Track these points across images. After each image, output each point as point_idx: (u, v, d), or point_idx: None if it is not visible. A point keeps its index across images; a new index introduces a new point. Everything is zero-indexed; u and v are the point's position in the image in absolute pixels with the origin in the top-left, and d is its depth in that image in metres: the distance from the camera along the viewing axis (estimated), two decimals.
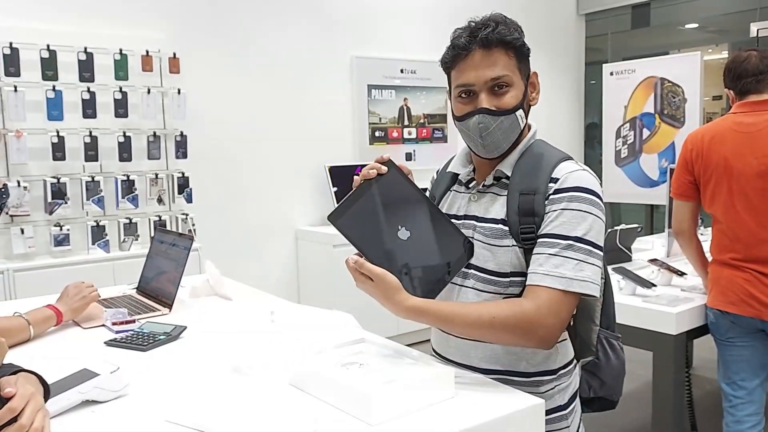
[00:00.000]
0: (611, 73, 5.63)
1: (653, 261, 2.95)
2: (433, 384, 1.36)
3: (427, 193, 1.68)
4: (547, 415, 1.40)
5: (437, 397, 1.35)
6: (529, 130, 1.56)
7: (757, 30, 5.08)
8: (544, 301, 1.35)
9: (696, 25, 6.44)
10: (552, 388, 1.51)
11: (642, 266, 3.05)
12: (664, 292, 2.70)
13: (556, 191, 1.41)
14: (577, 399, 1.60)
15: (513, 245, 1.44)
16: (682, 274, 2.84)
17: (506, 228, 1.45)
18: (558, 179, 1.42)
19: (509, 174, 1.50)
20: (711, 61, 6.14)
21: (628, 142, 5.50)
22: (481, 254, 1.49)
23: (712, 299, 2.49)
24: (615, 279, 2.76)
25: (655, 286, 2.71)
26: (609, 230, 3.25)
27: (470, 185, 1.59)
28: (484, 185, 1.54)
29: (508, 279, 1.46)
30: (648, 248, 3.59)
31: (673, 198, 2.64)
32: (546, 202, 1.42)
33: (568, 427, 1.53)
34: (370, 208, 1.50)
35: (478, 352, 1.51)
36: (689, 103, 5.07)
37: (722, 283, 2.45)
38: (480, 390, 1.41)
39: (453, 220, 1.56)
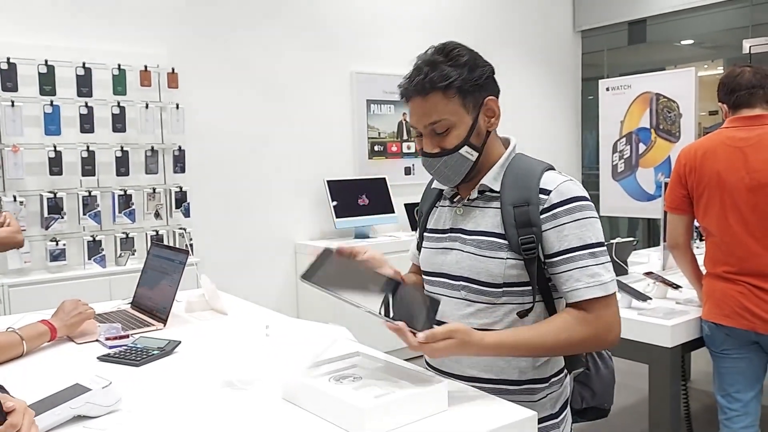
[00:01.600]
0: (607, 89, 5.66)
1: (649, 274, 2.95)
2: (427, 397, 1.36)
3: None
4: (538, 423, 1.42)
5: (430, 411, 1.35)
6: (508, 145, 1.61)
7: (750, 47, 5.13)
8: (598, 310, 1.44)
9: (691, 42, 6.49)
10: (544, 396, 1.54)
11: (638, 279, 3.05)
12: (660, 305, 2.70)
13: (553, 206, 1.46)
14: (568, 408, 1.62)
15: (508, 258, 1.47)
16: (677, 287, 2.85)
17: (504, 241, 1.48)
18: (549, 191, 1.47)
19: (493, 188, 1.54)
20: (706, 77, 6.18)
21: (625, 157, 5.52)
22: (473, 266, 1.52)
23: (707, 312, 2.50)
24: None
25: (650, 299, 2.71)
26: (605, 243, 3.25)
27: (455, 200, 1.62)
28: (469, 199, 1.58)
29: (501, 290, 1.50)
30: (644, 261, 3.59)
31: (668, 212, 2.65)
32: (543, 215, 1.46)
33: None
34: (338, 270, 1.59)
35: (471, 360, 1.53)
36: (684, 118, 5.09)
37: (716, 295, 2.46)
38: (473, 403, 1.41)
39: (439, 234, 1.62)
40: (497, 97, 1.55)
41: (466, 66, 1.47)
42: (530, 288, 1.50)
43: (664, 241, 3.09)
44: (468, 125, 1.49)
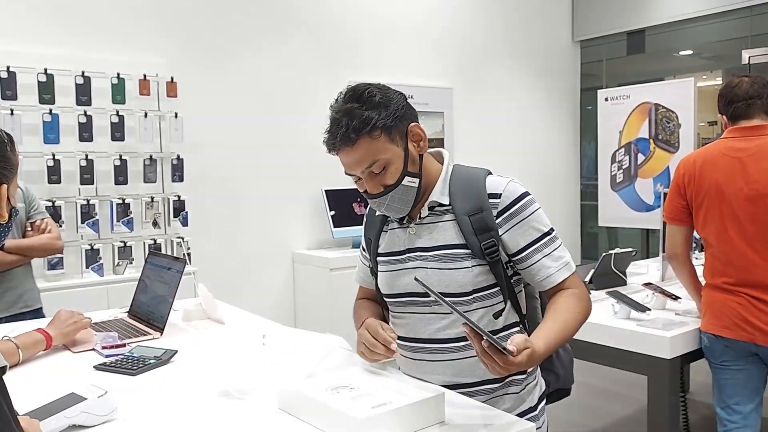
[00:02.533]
0: (606, 99, 5.67)
1: (648, 285, 2.94)
2: (424, 408, 1.35)
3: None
4: (519, 417, 1.47)
5: (428, 421, 1.35)
6: (442, 159, 1.65)
7: (749, 57, 5.15)
8: (578, 285, 1.57)
9: (690, 52, 6.51)
10: (524, 388, 1.60)
11: (637, 290, 3.04)
12: (659, 316, 2.69)
13: (506, 207, 1.54)
14: (544, 401, 1.68)
15: (474, 265, 1.53)
16: (676, 298, 2.84)
17: (466, 251, 1.54)
18: (498, 194, 1.55)
19: (443, 201, 1.59)
20: (705, 87, 6.20)
21: (624, 167, 5.52)
22: (441, 280, 1.56)
23: (706, 323, 2.49)
24: (609, 303, 2.76)
25: (649, 310, 2.70)
26: (604, 254, 3.25)
27: (404, 221, 1.65)
28: (420, 217, 1.61)
29: (471, 296, 1.56)
30: (643, 272, 3.58)
31: (666, 222, 2.65)
32: (499, 218, 1.54)
33: (540, 427, 1.61)
34: None
35: (453, 369, 1.58)
36: (683, 129, 5.10)
37: (716, 307, 2.45)
38: (470, 413, 1.41)
39: (395, 256, 1.64)
40: (417, 120, 1.58)
41: (380, 105, 1.50)
42: (497, 289, 1.57)
43: (663, 251, 3.09)
44: (401, 157, 1.53)
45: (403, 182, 1.53)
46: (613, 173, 5.61)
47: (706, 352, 2.53)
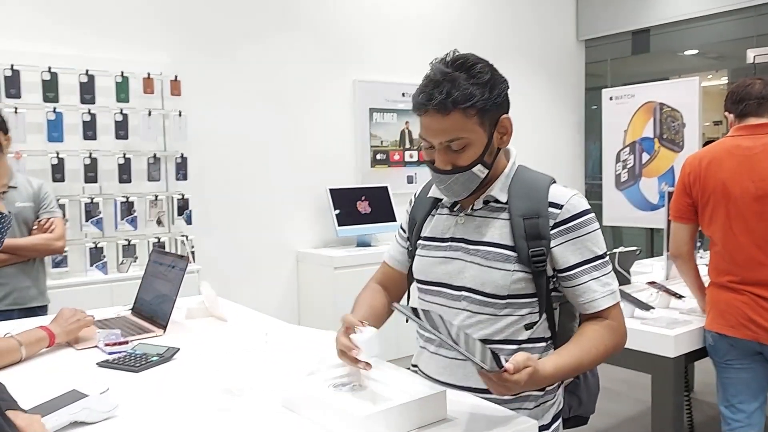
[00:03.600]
0: (611, 98, 5.66)
1: (652, 284, 2.94)
2: (426, 405, 1.35)
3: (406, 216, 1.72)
4: None
5: (430, 418, 1.34)
6: (508, 155, 1.60)
7: (754, 56, 5.13)
8: (617, 317, 1.51)
9: (695, 52, 6.48)
10: (537, 405, 1.53)
11: (641, 289, 3.03)
12: (663, 314, 2.68)
13: (565, 220, 1.48)
14: (560, 420, 1.61)
15: (516, 270, 1.47)
16: (680, 296, 2.83)
17: (512, 253, 1.48)
18: (560, 205, 1.49)
19: (500, 198, 1.53)
20: (710, 86, 6.17)
21: (628, 166, 5.51)
22: (478, 276, 1.51)
23: (711, 322, 2.48)
24: None
25: (653, 308, 2.70)
26: (608, 253, 3.24)
27: (455, 208, 1.60)
28: (472, 209, 1.56)
29: (504, 301, 1.49)
30: (647, 271, 3.57)
31: (672, 221, 2.64)
32: (555, 230, 1.48)
33: None
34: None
35: (466, 370, 1.51)
36: (688, 128, 5.09)
37: (720, 306, 2.44)
38: (473, 411, 1.40)
39: (437, 242, 1.59)
40: (508, 113, 1.53)
41: (487, 85, 1.44)
42: (534, 300, 1.50)
43: (668, 250, 3.08)
44: (483, 144, 1.47)
45: (473, 169, 1.48)
46: (617, 172, 5.60)
47: (710, 350, 2.52)
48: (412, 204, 1.75)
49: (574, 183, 6.91)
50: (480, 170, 1.49)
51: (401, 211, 5.37)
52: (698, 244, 3.39)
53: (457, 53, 1.49)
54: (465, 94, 1.41)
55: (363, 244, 5.03)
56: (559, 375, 1.41)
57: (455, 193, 1.53)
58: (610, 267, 1.51)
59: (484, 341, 1.48)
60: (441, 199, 1.64)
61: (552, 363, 1.38)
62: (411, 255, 1.70)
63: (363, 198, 5.09)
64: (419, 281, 1.65)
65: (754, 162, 2.36)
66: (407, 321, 1.42)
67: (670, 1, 6.16)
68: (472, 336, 1.44)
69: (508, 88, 1.51)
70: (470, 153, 1.47)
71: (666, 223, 3.02)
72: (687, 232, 2.57)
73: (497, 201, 1.53)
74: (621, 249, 3.27)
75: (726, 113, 2.56)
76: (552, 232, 1.47)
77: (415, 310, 1.38)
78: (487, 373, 1.26)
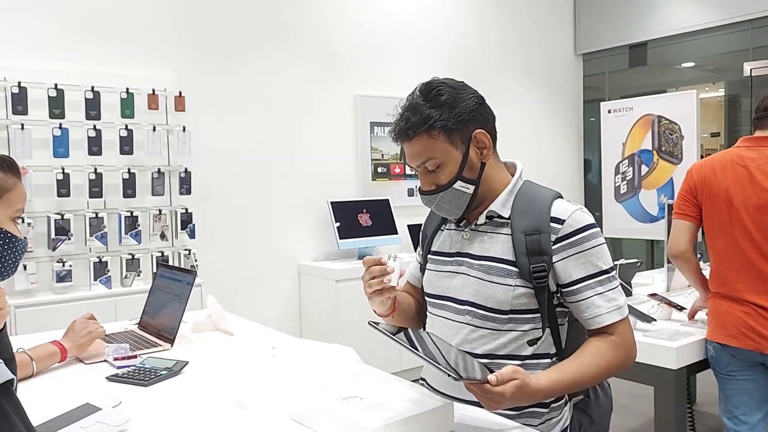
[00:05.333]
0: (609, 111, 5.70)
1: (653, 296, 2.95)
2: (433, 418, 1.37)
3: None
4: None
5: (437, 430, 1.36)
6: (514, 170, 1.62)
7: (750, 69, 5.17)
8: (623, 333, 1.50)
9: (692, 64, 6.54)
10: (543, 422, 1.54)
11: (642, 301, 3.05)
12: (664, 326, 2.70)
13: (567, 235, 1.49)
14: None
15: (517, 285, 1.49)
16: (681, 308, 2.85)
17: (514, 268, 1.50)
18: (561, 220, 1.50)
19: (502, 214, 1.55)
20: (708, 99, 6.22)
21: (627, 178, 5.55)
22: (480, 291, 1.53)
23: (712, 332, 2.49)
24: None
25: (655, 320, 2.72)
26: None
27: (461, 224, 1.64)
28: (476, 224, 1.59)
29: (507, 316, 1.51)
30: (648, 283, 3.60)
31: (674, 218, 2.62)
32: (557, 245, 1.49)
33: None
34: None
35: None
36: (686, 140, 5.13)
37: (722, 315, 2.45)
38: (479, 424, 1.42)
39: (445, 257, 1.63)
40: (488, 127, 1.56)
41: (445, 105, 1.50)
42: (536, 316, 1.51)
43: (669, 262, 3.09)
44: (458, 160, 1.52)
45: (455, 186, 1.52)
46: (617, 184, 5.63)
47: (712, 362, 2.53)
48: (426, 219, 1.80)
49: (573, 195, 6.95)
50: (463, 186, 1.53)
51: (402, 223, 5.45)
52: (699, 255, 3.42)
53: (432, 79, 1.56)
54: (422, 118, 1.49)
55: (364, 256, 5.03)
56: (554, 390, 1.41)
57: (448, 212, 1.58)
58: (616, 282, 1.51)
59: (488, 356, 1.51)
60: None
61: (546, 378, 1.39)
62: (423, 269, 1.74)
63: (364, 210, 5.12)
64: (428, 294, 1.69)
65: (755, 173, 2.39)
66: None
67: (667, 14, 6.22)
68: (472, 353, 1.46)
69: (480, 103, 1.55)
70: (446, 171, 1.52)
71: (666, 234, 3.03)
72: (689, 230, 2.56)
73: (500, 216, 1.56)
74: (622, 261, 3.30)
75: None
76: (554, 247, 1.49)
77: (405, 332, 1.42)
78: (472, 385, 1.28)
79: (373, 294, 1.54)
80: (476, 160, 1.54)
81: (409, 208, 5.43)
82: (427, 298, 1.70)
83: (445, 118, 1.49)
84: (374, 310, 1.67)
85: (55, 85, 3.78)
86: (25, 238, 1.36)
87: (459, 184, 1.52)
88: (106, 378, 1.89)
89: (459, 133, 1.51)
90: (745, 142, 2.50)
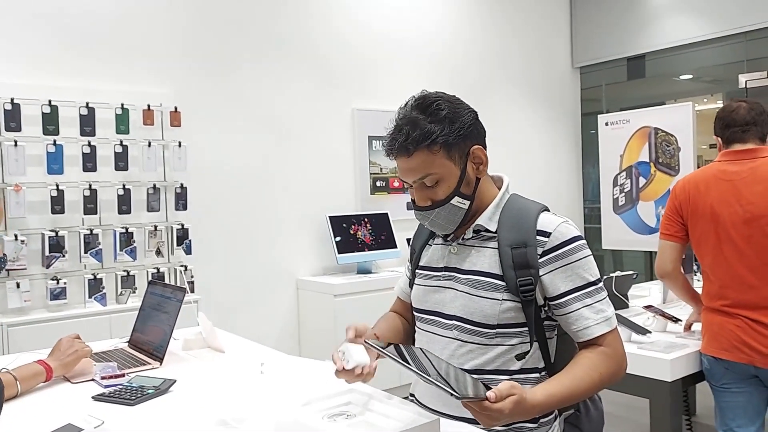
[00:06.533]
0: (606, 124, 5.70)
1: (649, 307, 2.94)
2: None
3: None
4: None
5: None
6: (501, 183, 1.61)
7: (746, 81, 5.18)
8: (613, 344, 1.48)
9: (690, 76, 6.55)
10: None
11: (638, 313, 3.04)
12: (660, 338, 2.68)
13: (554, 248, 1.47)
14: None
15: (504, 299, 1.48)
16: (677, 320, 2.83)
17: (501, 282, 1.49)
18: (548, 233, 1.49)
19: (489, 228, 1.54)
20: (705, 110, 6.22)
21: (625, 190, 5.53)
22: (467, 306, 1.52)
23: (706, 345, 2.49)
24: None
25: (650, 332, 2.70)
26: (605, 277, 3.25)
27: (448, 238, 1.62)
28: (463, 238, 1.58)
29: (494, 331, 1.50)
30: (645, 294, 3.58)
31: (660, 239, 2.63)
32: (543, 258, 1.47)
33: None
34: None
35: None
36: (683, 152, 5.12)
37: (714, 329, 2.45)
38: None
39: (433, 272, 1.61)
40: (483, 142, 1.55)
41: (446, 120, 1.48)
42: (524, 330, 1.50)
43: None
44: (456, 176, 1.51)
45: (452, 201, 1.51)
46: (615, 196, 5.62)
47: (707, 374, 2.52)
48: (414, 234, 1.78)
49: (573, 207, 6.94)
50: (460, 202, 1.51)
51: (401, 237, 5.42)
52: (694, 268, 3.40)
53: (423, 92, 1.54)
54: (423, 133, 1.46)
55: (363, 271, 5.03)
56: (550, 404, 1.39)
57: (441, 228, 1.56)
58: (604, 294, 1.50)
59: (476, 371, 1.49)
60: None
61: (541, 392, 1.37)
62: (411, 284, 1.73)
63: (364, 220, 5.12)
64: (415, 309, 1.68)
65: (740, 187, 2.38)
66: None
67: (664, 27, 6.24)
68: (461, 369, 1.44)
69: (475, 118, 1.54)
70: (444, 187, 1.51)
71: None
72: (675, 251, 2.57)
73: (487, 230, 1.55)
74: (618, 273, 3.28)
75: (715, 137, 2.59)
76: (540, 260, 1.47)
77: (396, 346, 1.39)
78: (470, 403, 1.26)
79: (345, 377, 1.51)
80: (472, 175, 1.53)
81: (408, 222, 5.41)
82: (415, 313, 1.69)
83: (446, 134, 1.47)
84: None
85: (49, 101, 3.78)
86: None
87: (456, 200, 1.51)
88: (92, 397, 1.86)
89: (458, 149, 1.50)
90: (727, 156, 2.49)
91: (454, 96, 1.56)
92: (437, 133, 1.46)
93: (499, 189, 1.60)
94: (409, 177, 1.52)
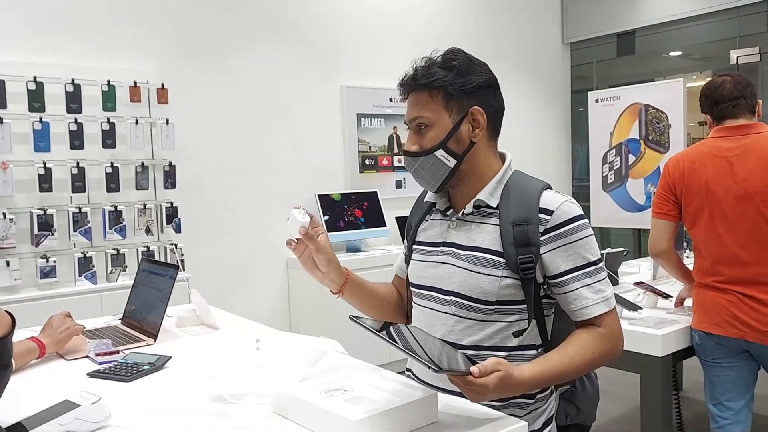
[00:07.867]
0: (596, 101, 5.70)
1: (639, 284, 2.96)
2: (417, 409, 1.35)
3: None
4: None
5: (421, 422, 1.35)
6: (504, 161, 1.60)
7: (737, 57, 5.19)
8: (610, 325, 1.49)
9: (680, 53, 6.55)
10: (528, 412, 1.53)
11: (628, 289, 3.06)
12: (650, 314, 2.71)
13: (556, 226, 1.46)
14: (552, 425, 1.60)
15: (504, 276, 1.47)
16: (667, 296, 2.86)
17: (501, 259, 1.48)
18: (550, 211, 1.47)
19: (490, 203, 1.53)
20: (695, 87, 6.23)
21: (615, 168, 5.55)
22: (465, 282, 1.51)
23: (697, 321, 2.51)
24: None
25: (641, 308, 2.72)
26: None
27: (447, 213, 1.61)
28: (463, 213, 1.57)
29: (492, 307, 1.49)
30: (635, 272, 3.60)
31: (653, 217, 2.63)
32: (545, 236, 1.47)
33: None
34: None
35: None
36: (673, 129, 5.13)
37: (706, 304, 2.47)
38: (463, 413, 1.41)
39: (430, 247, 1.61)
40: (490, 111, 1.53)
41: (454, 70, 1.49)
42: (522, 307, 1.50)
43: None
44: (446, 128, 1.50)
45: (437, 154, 1.50)
46: (604, 174, 5.63)
47: (697, 349, 2.54)
48: (411, 209, 1.77)
49: (562, 185, 6.96)
50: (444, 156, 1.51)
51: (390, 215, 5.42)
52: (684, 244, 3.42)
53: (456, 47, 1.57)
54: (428, 74, 1.49)
55: (353, 249, 5.03)
56: (539, 382, 1.39)
57: (425, 181, 1.56)
58: (604, 273, 1.50)
59: (474, 347, 1.50)
60: (435, 203, 1.65)
61: (530, 369, 1.37)
62: (407, 260, 1.72)
63: (352, 203, 5.10)
64: (413, 285, 1.67)
65: (734, 163, 2.39)
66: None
67: (654, 3, 6.22)
68: (458, 344, 1.46)
69: (490, 85, 1.53)
70: (432, 135, 1.51)
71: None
72: (668, 229, 2.57)
73: (488, 206, 1.53)
74: (608, 250, 3.30)
75: (704, 114, 2.59)
76: (542, 238, 1.47)
77: (387, 324, 1.39)
78: (455, 378, 1.26)
79: (303, 261, 1.66)
80: (466, 135, 1.51)
81: (397, 201, 5.41)
82: (412, 289, 1.68)
83: (449, 82, 1.48)
84: (331, 291, 1.73)
85: (34, 77, 3.73)
86: None
87: (441, 153, 1.50)
88: (87, 374, 1.86)
89: (457, 102, 1.49)
90: (720, 132, 2.49)
91: (481, 60, 1.57)
92: (439, 77, 1.48)
93: (502, 164, 1.59)
94: (407, 115, 1.55)
